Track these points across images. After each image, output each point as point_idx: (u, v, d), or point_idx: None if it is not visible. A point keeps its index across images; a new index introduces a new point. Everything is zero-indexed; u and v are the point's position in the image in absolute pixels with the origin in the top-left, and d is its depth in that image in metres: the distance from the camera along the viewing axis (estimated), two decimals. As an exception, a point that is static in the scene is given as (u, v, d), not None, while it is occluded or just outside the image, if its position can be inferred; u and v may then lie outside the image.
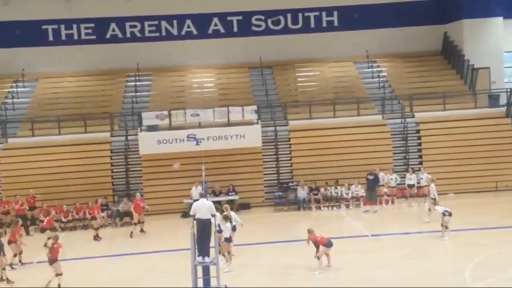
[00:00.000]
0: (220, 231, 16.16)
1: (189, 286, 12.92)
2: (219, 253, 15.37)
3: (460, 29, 31.04)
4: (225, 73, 31.66)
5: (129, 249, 19.30)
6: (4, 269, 16.35)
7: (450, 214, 18.20)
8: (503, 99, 28.25)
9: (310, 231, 16.00)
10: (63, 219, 22.77)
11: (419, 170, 25.35)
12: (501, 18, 30.65)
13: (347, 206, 24.32)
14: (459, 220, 20.35)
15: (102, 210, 23.36)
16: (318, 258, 15.49)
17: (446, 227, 18.28)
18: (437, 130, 26.94)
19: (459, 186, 25.83)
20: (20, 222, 18.79)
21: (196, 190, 22.34)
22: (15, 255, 17.43)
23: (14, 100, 29.48)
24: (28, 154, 25.66)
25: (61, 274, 15.09)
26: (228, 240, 16.62)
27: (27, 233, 22.28)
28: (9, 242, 17.40)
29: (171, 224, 22.44)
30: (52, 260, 15.20)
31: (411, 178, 24.68)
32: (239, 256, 17.15)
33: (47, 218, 19.94)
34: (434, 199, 20.29)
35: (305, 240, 15.94)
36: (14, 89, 30.19)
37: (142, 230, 21.63)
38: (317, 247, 15.63)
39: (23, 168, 25.16)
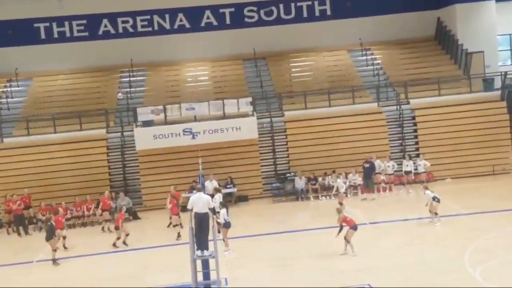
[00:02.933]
0: (228, 225, 16.98)
1: (189, 280, 12.92)
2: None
3: (453, 13, 30.95)
4: (219, 66, 31.56)
5: (128, 245, 19.27)
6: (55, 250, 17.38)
7: (438, 201, 18.20)
8: (497, 83, 28.20)
9: (339, 211, 16.11)
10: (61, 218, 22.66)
11: (417, 156, 25.40)
12: (494, 1, 30.59)
13: (345, 195, 24.24)
14: (458, 205, 20.48)
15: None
16: (348, 242, 15.59)
17: (436, 213, 18.29)
18: (432, 116, 26.91)
19: (456, 171, 25.88)
20: None
21: (211, 184, 22.36)
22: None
23: (8, 99, 29.30)
24: (24, 153, 25.53)
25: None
26: (226, 225, 16.94)
27: (26, 233, 22.27)
28: None
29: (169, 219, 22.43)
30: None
31: (408, 165, 24.72)
32: (238, 248, 17.15)
33: (54, 217, 19.37)
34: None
35: (305, 230, 15.99)
36: (8, 89, 30.02)
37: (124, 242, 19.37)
38: (341, 229, 15.76)
39: (19, 168, 25.08)
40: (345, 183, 24.27)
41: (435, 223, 18.28)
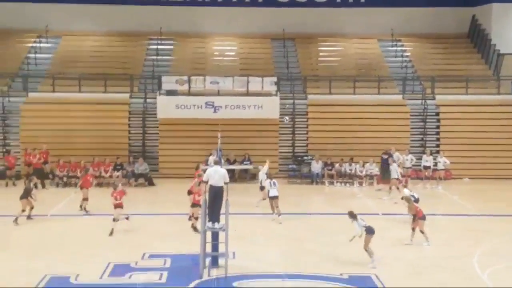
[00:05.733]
0: (262, 188, 18.33)
1: (198, 250, 13.05)
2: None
3: (489, 12, 30.43)
4: (247, 43, 31.48)
5: (141, 210, 19.48)
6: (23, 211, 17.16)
7: (416, 201, 17.78)
8: (527, 87, 27.81)
9: (408, 199, 15.90)
10: (79, 174, 22.92)
11: (437, 153, 25.24)
12: (532, 3, 30.00)
13: (360, 184, 24.31)
14: (472, 205, 20.36)
15: (117, 170, 23.65)
16: (413, 230, 15.47)
17: None
18: (457, 114, 26.68)
19: (475, 171, 25.71)
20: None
21: (213, 158, 22.43)
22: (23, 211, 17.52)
23: (37, 55, 29.58)
24: (48, 109, 25.95)
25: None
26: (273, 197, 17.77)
27: (43, 186, 22.63)
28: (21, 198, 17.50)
29: (184, 189, 22.52)
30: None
31: (427, 160, 24.60)
32: (250, 225, 17.23)
33: (84, 177, 19.54)
34: (396, 178, 20.65)
35: (317, 214, 15.94)
36: (37, 44, 30.32)
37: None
38: (414, 219, 15.61)
39: (41, 123, 25.45)
40: (361, 171, 24.32)
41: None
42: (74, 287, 12.15)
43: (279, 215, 17.73)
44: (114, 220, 16.17)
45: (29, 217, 17.46)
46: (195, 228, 16.13)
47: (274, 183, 17.99)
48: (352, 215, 14.14)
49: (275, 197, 17.89)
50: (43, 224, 17.49)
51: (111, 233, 15.93)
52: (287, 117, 23.96)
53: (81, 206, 18.89)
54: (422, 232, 15.56)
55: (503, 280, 12.94)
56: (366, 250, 13.88)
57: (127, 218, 16.60)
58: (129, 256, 14.06)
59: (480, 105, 26.77)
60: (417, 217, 15.66)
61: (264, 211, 18.50)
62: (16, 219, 17.04)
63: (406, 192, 17.69)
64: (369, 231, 13.95)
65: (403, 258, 14.54)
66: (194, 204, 16.38)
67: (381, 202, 21.20)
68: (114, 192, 16.61)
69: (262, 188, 19.00)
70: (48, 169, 23.70)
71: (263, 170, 19.45)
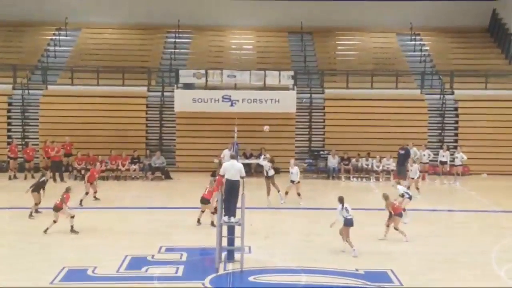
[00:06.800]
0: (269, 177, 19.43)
1: (213, 244, 13.10)
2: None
3: (510, 6, 30.07)
4: (264, 36, 31.47)
5: (157, 204, 19.61)
6: (36, 204, 17.15)
7: (410, 198, 17.50)
8: (548, 83, 27.45)
9: (386, 197, 15.76)
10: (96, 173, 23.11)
11: (455, 148, 25.06)
12: (554, -2, 29.59)
13: (377, 179, 24.21)
14: (490, 201, 20.20)
15: (134, 163, 23.82)
16: (387, 226, 15.38)
17: (404, 210, 17.01)
18: (476, 109, 26.47)
19: (493, 167, 25.55)
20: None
21: (228, 152, 22.47)
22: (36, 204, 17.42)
23: (56, 48, 29.84)
24: (66, 102, 26.17)
25: (73, 217, 15.59)
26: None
27: (62, 179, 22.84)
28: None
29: (200, 182, 22.61)
30: (58, 208, 15.54)
31: (444, 156, 24.42)
32: (266, 219, 17.25)
33: (90, 170, 19.67)
34: (413, 178, 20.37)
35: (333, 209, 15.84)
36: (57, 37, 30.57)
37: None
38: (390, 215, 15.48)
39: (60, 116, 25.71)
40: (378, 167, 24.22)
41: (403, 220, 16.73)
42: (91, 280, 12.25)
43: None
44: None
45: (36, 211, 17.34)
46: (212, 223, 16.21)
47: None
48: (340, 200, 14.42)
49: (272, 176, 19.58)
50: (61, 217, 17.65)
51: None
52: (267, 127, 23.86)
53: (81, 201, 18.65)
54: (396, 229, 15.35)
55: (520, 277, 12.85)
56: (345, 241, 14.07)
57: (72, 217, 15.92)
58: (145, 249, 14.12)
59: (499, 100, 26.52)
60: (394, 213, 15.46)
61: (279, 206, 18.55)
62: (31, 213, 17.13)
63: (400, 189, 17.44)
64: (347, 222, 14.14)
65: (418, 253, 14.46)
66: (204, 199, 16.41)
67: (398, 197, 21.07)
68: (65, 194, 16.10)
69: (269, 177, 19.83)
70: (70, 161, 23.87)
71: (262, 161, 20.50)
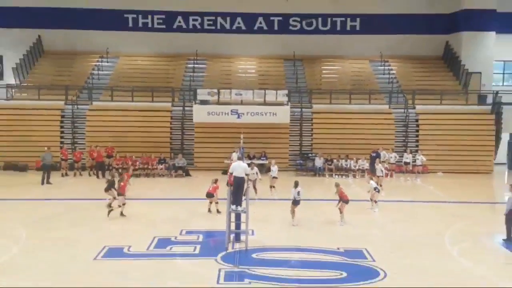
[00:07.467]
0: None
1: (224, 228, 13.08)
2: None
3: (459, 39, 30.03)
4: (264, 63, 31.43)
5: (179, 196, 19.58)
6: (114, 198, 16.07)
7: (379, 191, 17.34)
8: (489, 100, 27.40)
9: (338, 185, 15.76)
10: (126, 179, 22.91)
11: (416, 151, 25.06)
12: (494, 32, 29.52)
13: (354, 176, 24.16)
14: (445, 194, 20.13)
15: (161, 163, 23.78)
16: (340, 211, 15.32)
17: (375, 202, 17.17)
18: (433, 121, 26.39)
19: (447, 167, 25.46)
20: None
21: (236, 154, 22.43)
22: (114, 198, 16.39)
23: (99, 72, 29.89)
24: (107, 115, 26.16)
25: (124, 204, 15.66)
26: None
27: (103, 176, 22.82)
28: None
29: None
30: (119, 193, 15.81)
31: (408, 158, 24.41)
32: (265, 208, 17.21)
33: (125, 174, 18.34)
34: (378, 176, 19.97)
35: (318, 200, 15.83)
36: (99, 63, 30.60)
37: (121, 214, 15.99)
38: (339, 201, 15.45)
39: (102, 126, 25.70)
40: (355, 166, 24.18)
41: (373, 209, 17.11)
42: (126, 256, 12.25)
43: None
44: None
45: (109, 205, 15.93)
46: (217, 211, 16.23)
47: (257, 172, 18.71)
48: (295, 184, 15.18)
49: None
50: (103, 206, 17.67)
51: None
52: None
53: (109, 205, 15.92)
54: (340, 212, 15.31)
55: (468, 254, 12.81)
56: (291, 213, 15.09)
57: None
58: (170, 232, 14.13)
59: (451, 113, 26.45)
60: (342, 200, 15.36)
61: (275, 197, 18.50)
62: (109, 205, 16.03)
63: (372, 183, 17.38)
64: (294, 202, 15.08)
65: (387, 236, 14.44)
66: (208, 194, 16.39)
67: (371, 192, 21.01)
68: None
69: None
70: (110, 162, 23.85)
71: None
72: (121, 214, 15.79)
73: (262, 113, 25.02)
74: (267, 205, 17.91)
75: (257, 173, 18.42)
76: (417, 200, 19.38)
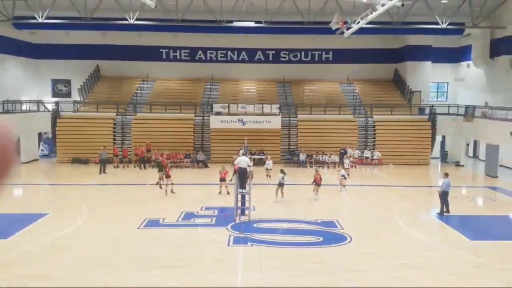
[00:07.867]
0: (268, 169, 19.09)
1: (232, 205, 13.10)
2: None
3: (405, 67, 29.98)
4: (262, 85, 31.32)
5: (200, 182, 19.55)
6: (161, 178, 16.12)
7: (345, 178, 17.37)
8: (427, 111, 27.36)
9: (317, 171, 15.79)
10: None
11: (374, 149, 25.01)
12: (430, 62, 29.54)
13: (328, 167, 24.14)
14: (396, 180, 20.05)
15: (186, 158, 23.70)
16: (316, 192, 15.34)
17: (344, 186, 17.23)
18: (386, 127, 26.33)
19: (397, 160, 25.35)
20: None
21: (241, 151, 22.46)
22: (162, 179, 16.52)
23: (141, 91, 29.84)
24: (148, 123, 26.07)
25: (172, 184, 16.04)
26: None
27: (144, 167, 22.85)
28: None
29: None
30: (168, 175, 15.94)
31: (367, 154, 24.35)
32: (262, 191, 17.22)
33: (163, 157, 19.34)
34: (346, 168, 19.76)
35: (300, 185, 15.83)
36: (142, 85, 30.56)
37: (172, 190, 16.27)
38: (313, 182, 15.55)
39: (144, 131, 25.67)
40: (328, 160, 24.12)
41: (342, 191, 17.08)
42: (161, 226, 12.29)
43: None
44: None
45: (158, 183, 16.31)
46: (227, 192, 16.27)
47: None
48: (281, 171, 15.18)
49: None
50: (145, 189, 17.73)
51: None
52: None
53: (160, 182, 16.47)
54: (315, 192, 15.35)
55: (412, 224, 12.83)
56: (276, 193, 14.96)
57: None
58: (193, 208, 14.20)
59: (399, 121, 26.41)
60: (316, 183, 15.35)
61: (267, 182, 18.51)
62: (159, 185, 16.38)
63: (342, 172, 17.50)
64: (280, 184, 15.03)
65: (351, 211, 14.46)
66: (221, 179, 16.50)
67: (340, 178, 21.02)
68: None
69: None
70: (149, 156, 23.84)
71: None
72: (172, 191, 15.77)
73: (261, 121, 25.00)
74: (264, 189, 17.91)
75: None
76: (374, 184, 19.37)
